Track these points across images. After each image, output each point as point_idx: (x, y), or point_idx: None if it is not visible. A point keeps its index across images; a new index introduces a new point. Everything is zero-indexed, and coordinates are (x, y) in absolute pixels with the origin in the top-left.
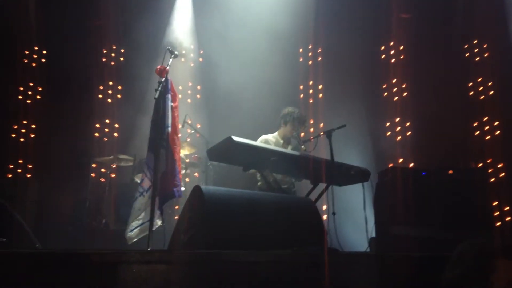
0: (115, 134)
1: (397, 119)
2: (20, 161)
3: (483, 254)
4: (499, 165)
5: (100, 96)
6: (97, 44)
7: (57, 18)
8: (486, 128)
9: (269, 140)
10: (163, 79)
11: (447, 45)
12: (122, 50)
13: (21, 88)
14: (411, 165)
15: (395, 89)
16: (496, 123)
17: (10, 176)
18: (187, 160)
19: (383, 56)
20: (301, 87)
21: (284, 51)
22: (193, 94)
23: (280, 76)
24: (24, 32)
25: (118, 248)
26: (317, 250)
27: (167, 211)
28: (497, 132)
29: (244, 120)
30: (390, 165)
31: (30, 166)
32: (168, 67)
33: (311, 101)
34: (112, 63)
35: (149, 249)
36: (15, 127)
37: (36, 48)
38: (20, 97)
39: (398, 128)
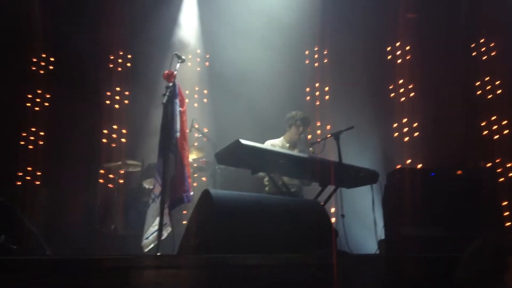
0: (123, 140)
1: (405, 120)
2: (29, 169)
3: (498, 252)
4: (508, 165)
5: (108, 102)
6: (104, 50)
7: (64, 25)
8: (495, 127)
9: (275, 144)
10: (171, 84)
11: (454, 44)
12: (129, 56)
13: (29, 96)
14: (420, 165)
15: (402, 90)
16: (505, 122)
17: (19, 183)
18: (195, 165)
19: (389, 57)
20: (308, 89)
21: (290, 54)
22: (200, 98)
23: (287, 78)
24: (31, 40)
25: (128, 253)
26: (326, 252)
27: (176, 216)
28: (506, 131)
29: (251, 124)
30: (398, 166)
31: (39, 173)
32: (175, 72)
33: (317, 103)
34: (119, 69)
35: (158, 254)
36: (24, 134)
37: (43, 55)
38: (28, 104)
39: (406, 129)
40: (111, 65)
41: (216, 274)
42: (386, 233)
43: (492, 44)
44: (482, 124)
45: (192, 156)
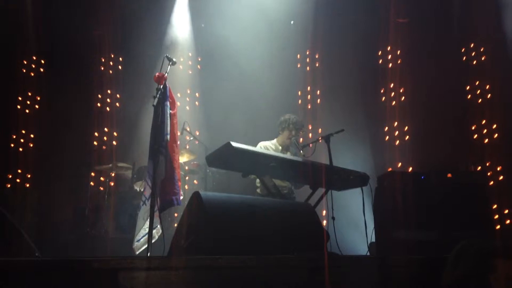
0: (114, 143)
1: (395, 124)
2: (19, 171)
3: (482, 254)
4: (498, 168)
5: (99, 104)
6: (95, 52)
7: (55, 28)
8: (485, 131)
9: (267, 146)
10: (162, 86)
11: (444, 49)
12: (121, 59)
13: (20, 98)
14: (410, 169)
15: (393, 94)
16: (494, 126)
17: (9, 186)
18: (186, 167)
19: (380, 61)
20: (299, 93)
21: (282, 58)
22: (192, 101)
23: (279, 82)
24: (22, 42)
25: (118, 255)
26: (317, 254)
27: (167, 218)
28: (496, 135)
29: (243, 127)
30: (389, 169)
31: (29, 176)
32: (166, 74)
33: (309, 106)
34: (110, 71)
35: (148, 255)
36: (14, 136)
37: (34, 58)
38: (18, 106)
39: (397, 133)
40: (102, 68)
41: (206, 275)
42: (376, 236)
43: (482, 49)
44: (472, 128)
45: (183, 159)
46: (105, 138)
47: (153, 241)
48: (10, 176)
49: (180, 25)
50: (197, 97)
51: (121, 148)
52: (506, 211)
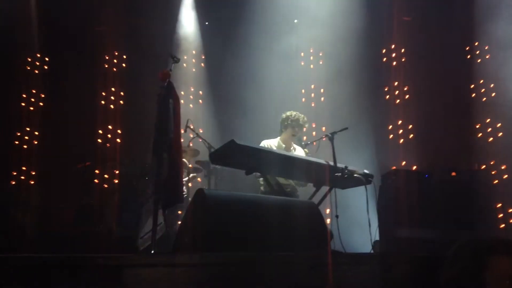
0: (118, 140)
1: (400, 122)
2: (24, 168)
3: (477, 251)
4: (503, 167)
5: (103, 102)
6: (99, 50)
7: (59, 25)
8: (489, 129)
9: (271, 145)
10: (166, 84)
11: (448, 47)
12: (125, 56)
13: (24, 95)
14: (414, 167)
15: (397, 92)
16: (499, 124)
17: (13, 183)
18: (190, 165)
19: (384, 59)
20: (303, 91)
21: (286, 56)
22: (195, 99)
23: (282, 80)
24: (26, 39)
25: (122, 252)
26: (320, 252)
27: (170, 216)
28: (500, 134)
29: (246, 125)
30: (393, 167)
31: (33, 173)
32: (170, 72)
33: (313, 104)
34: (115, 69)
35: (152, 252)
36: (18, 134)
37: (38, 55)
38: (23, 104)
39: (401, 131)
40: (106, 65)
41: (210, 272)
42: (380, 234)
43: (486, 47)
44: (476, 126)
45: (186, 157)
46: (109, 135)
47: (157, 238)
48: (15, 173)
49: (184, 22)
50: (200, 95)
51: (125, 146)
52: (510, 210)
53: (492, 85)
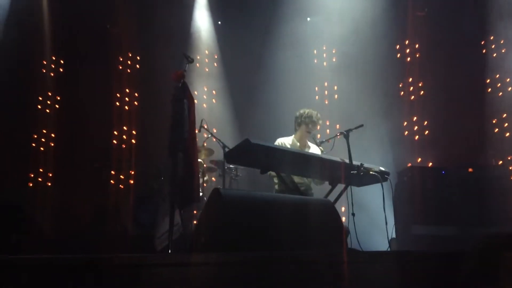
0: (133, 141)
1: (415, 118)
2: (41, 170)
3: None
4: None
5: (118, 103)
6: (113, 51)
7: (73, 28)
8: (506, 124)
9: (285, 143)
10: (180, 84)
11: (463, 42)
12: (138, 57)
13: (40, 98)
14: (430, 164)
15: (411, 88)
16: None
17: (31, 184)
18: (205, 165)
19: (398, 55)
20: (316, 88)
21: (299, 54)
22: (209, 99)
23: (296, 78)
24: (41, 42)
25: (139, 252)
26: (337, 250)
27: (186, 215)
28: None
29: (260, 124)
30: (409, 164)
31: (50, 175)
32: (184, 72)
33: (326, 102)
34: (129, 70)
35: (169, 252)
36: (35, 136)
37: (54, 58)
38: (39, 106)
39: (416, 127)
40: (120, 67)
41: (226, 271)
42: (397, 232)
43: (502, 41)
44: (493, 122)
45: (201, 157)
46: (124, 136)
47: (173, 238)
48: (32, 175)
49: (197, 22)
50: (214, 94)
51: (140, 147)
52: None
53: (508, 80)
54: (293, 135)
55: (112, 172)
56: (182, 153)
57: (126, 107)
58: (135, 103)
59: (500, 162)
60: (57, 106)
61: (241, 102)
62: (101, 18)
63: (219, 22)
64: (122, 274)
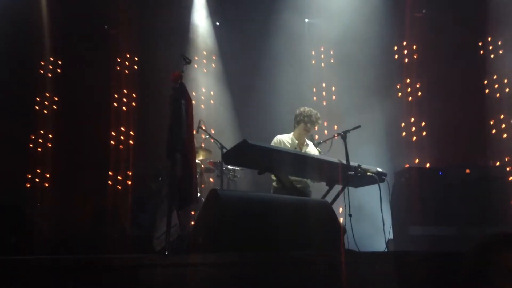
0: (131, 142)
1: (412, 119)
2: (38, 171)
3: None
4: None
5: (115, 104)
6: (111, 52)
7: (72, 29)
8: (503, 126)
9: (284, 140)
10: (178, 85)
11: (461, 43)
12: (136, 58)
13: (38, 99)
14: (428, 165)
15: (409, 89)
16: None
17: (28, 185)
18: (202, 166)
19: (396, 56)
20: (314, 89)
21: (297, 54)
22: (207, 100)
23: (294, 79)
24: (39, 43)
25: (137, 253)
26: (334, 251)
27: (184, 216)
28: None
29: (258, 125)
30: (406, 165)
31: (48, 175)
32: (182, 73)
33: (324, 103)
34: (127, 71)
35: (167, 252)
36: (32, 137)
37: (51, 59)
38: (36, 107)
39: (413, 128)
40: (118, 68)
41: (224, 272)
42: (394, 233)
43: (500, 42)
44: (490, 123)
45: (199, 157)
46: (122, 137)
47: (171, 239)
48: (29, 176)
49: (195, 23)
50: (212, 95)
51: (138, 147)
52: None
53: (505, 81)
54: (292, 133)
55: (110, 173)
56: (180, 154)
57: (124, 108)
58: (133, 104)
59: (498, 163)
60: (55, 107)
61: (239, 103)
62: (100, 19)
63: (217, 23)
64: (120, 275)
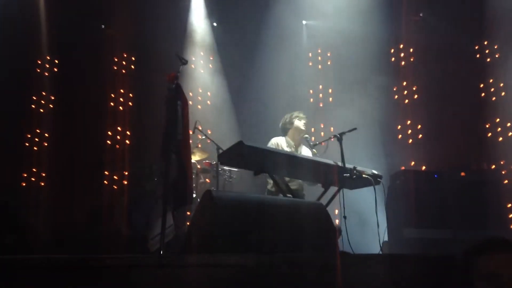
0: (127, 142)
1: (408, 122)
2: (34, 170)
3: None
4: None
5: (112, 104)
6: (108, 52)
7: (69, 28)
8: (499, 129)
9: (280, 142)
10: (174, 86)
11: (458, 46)
12: (133, 58)
13: (34, 97)
14: (423, 167)
15: (405, 92)
16: (508, 124)
17: (24, 184)
18: (198, 166)
19: (393, 59)
20: (311, 91)
21: (294, 56)
22: (203, 100)
23: (290, 80)
24: (36, 42)
25: (132, 253)
26: (328, 253)
27: (179, 217)
28: (510, 133)
29: (255, 126)
30: (402, 168)
31: (43, 175)
32: (178, 74)
33: (321, 105)
34: (123, 71)
35: (161, 253)
36: (28, 136)
37: (48, 58)
38: (33, 106)
39: (409, 131)
40: (115, 67)
41: (218, 273)
42: (389, 235)
43: (496, 46)
44: (486, 126)
45: (195, 158)
46: (118, 137)
47: (166, 239)
48: (25, 175)
49: (192, 24)
50: (208, 96)
51: (134, 147)
52: None
53: (501, 84)
54: (287, 135)
55: (106, 172)
56: (176, 154)
57: (121, 108)
58: (130, 103)
59: (493, 166)
60: (51, 105)
61: (236, 104)
62: (96, 19)
63: (214, 24)
64: (115, 275)
